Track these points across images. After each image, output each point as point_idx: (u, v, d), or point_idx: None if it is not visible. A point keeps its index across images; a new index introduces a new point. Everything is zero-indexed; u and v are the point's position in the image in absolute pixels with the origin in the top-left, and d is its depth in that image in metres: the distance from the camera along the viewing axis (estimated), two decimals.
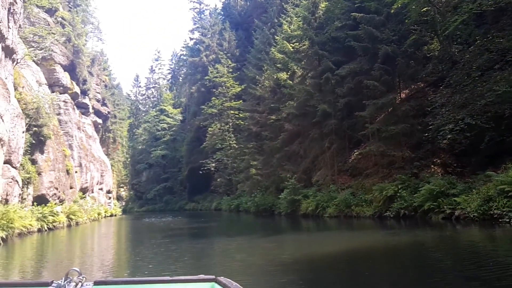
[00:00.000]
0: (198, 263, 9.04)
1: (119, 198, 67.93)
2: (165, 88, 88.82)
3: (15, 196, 19.40)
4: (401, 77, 21.70)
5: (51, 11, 36.56)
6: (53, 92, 32.49)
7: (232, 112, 50.66)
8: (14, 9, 18.86)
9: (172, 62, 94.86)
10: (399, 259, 8.42)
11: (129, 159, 75.46)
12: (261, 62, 41.00)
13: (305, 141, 30.31)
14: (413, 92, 22.44)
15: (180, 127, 72.98)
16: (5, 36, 17.79)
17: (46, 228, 20.55)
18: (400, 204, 16.80)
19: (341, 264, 8.10)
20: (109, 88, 62.51)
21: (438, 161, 17.86)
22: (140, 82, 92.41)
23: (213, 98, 53.12)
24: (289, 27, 34.83)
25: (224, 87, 52.84)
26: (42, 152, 24.67)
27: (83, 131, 40.71)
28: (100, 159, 46.70)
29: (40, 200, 22.78)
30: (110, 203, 50.81)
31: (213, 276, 1.93)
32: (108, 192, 50.46)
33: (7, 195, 18.36)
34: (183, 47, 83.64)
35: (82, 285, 1.78)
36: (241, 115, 47.56)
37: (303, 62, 30.76)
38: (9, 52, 18.92)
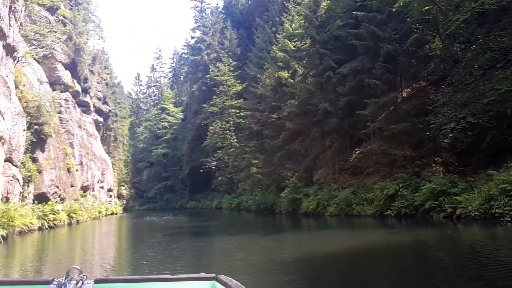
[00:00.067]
0: (198, 262, 9.03)
1: (120, 196, 68.03)
2: (166, 86, 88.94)
3: (15, 194, 19.41)
4: (403, 75, 21.65)
5: (52, 9, 36.58)
6: (54, 90, 32.49)
7: (233, 110, 50.66)
8: (15, 7, 18.84)
9: (173, 61, 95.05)
10: (400, 258, 8.39)
11: (130, 158, 75.54)
12: (262, 61, 40.97)
13: (306, 140, 30.30)
14: (415, 91, 22.40)
15: (181, 125, 73.03)
16: (6, 34, 17.77)
17: (46, 226, 20.56)
18: (401, 203, 16.78)
19: (342, 263, 8.07)
20: (110, 87, 62.59)
21: (440, 160, 17.83)
22: (141, 81, 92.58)
23: (214, 96, 53.12)
24: (291, 26, 34.77)
25: (225, 86, 52.82)
26: (43, 150, 24.68)
27: (84, 129, 40.72)
28: (101, 157, 46.74)
29: (41, 198, 22.79)
30: (111, 201, 50.88)
31: (213, 275, 1.92)
32: (109, 190, 50.52)
33: (7, 193, 18.37)
34: (184, 45, 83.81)
35: (83, 283, 1.77)
36: (242, 114, 47.54)
37: (304, 61, 30.71)
38: (10, 50, 18.92)
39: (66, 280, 1.75)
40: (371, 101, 20.69)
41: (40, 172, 23.72)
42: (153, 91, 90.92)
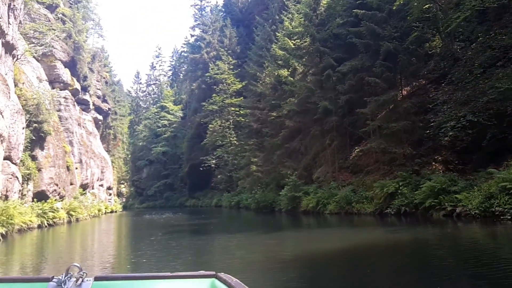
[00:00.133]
0: (198, 260, 9.02)
1: (119, 194, 68.09)
2: (166, 84, 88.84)
3: (15, 192, 19.39)
4: (403, 74, 21.62)
5: (51, 7, 36.52)
6: (53, 88, 32.44)
7: (232, 109, 50.62)
8: (14, 5, 18.78)
9: (173, 59, 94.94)
10: (400, 257, 8.38)
11: (129, 156, 75.58)
12: (262, 59, 40.91)
13: (306, 138, 30.28)
14: (415, 89, 22.38)
15: (180, 123, 72.99)
16: (5, 32, 17.72)
17: (46, 224, 20.56)
18: (401, 201, 16.78)
19: (342, 261, 8.06)
20: (110, 85, 62.56)
21: (440, 158, 17.82)
22: (140, 79, 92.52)
23: (214, 95, 53.06)
24: (290, 24, 34.70)
25: (225, 84, 52.75)
26: (42, 148, 24.65)
27: (83, 127, 40.69)
28: (101, 155, 46.73)
29: (40, 196, 22.78)
30: (110, 199, 50.89)
31: (213, 272, 1.90)
32: (109, 188, 50.53)
33: (7, 191, 18.35)
34: (184, 43, 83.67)
35: (82, 281, 1.76)
36: (241, 112, 47.50)
37: (304, 59, 30.67)
38: (9, 48, 18.86)
39: (66, 278, 1.73)
40: (371, 99, 20.67)
41: (39, 170, 23.70)
42: (153, 89, 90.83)
